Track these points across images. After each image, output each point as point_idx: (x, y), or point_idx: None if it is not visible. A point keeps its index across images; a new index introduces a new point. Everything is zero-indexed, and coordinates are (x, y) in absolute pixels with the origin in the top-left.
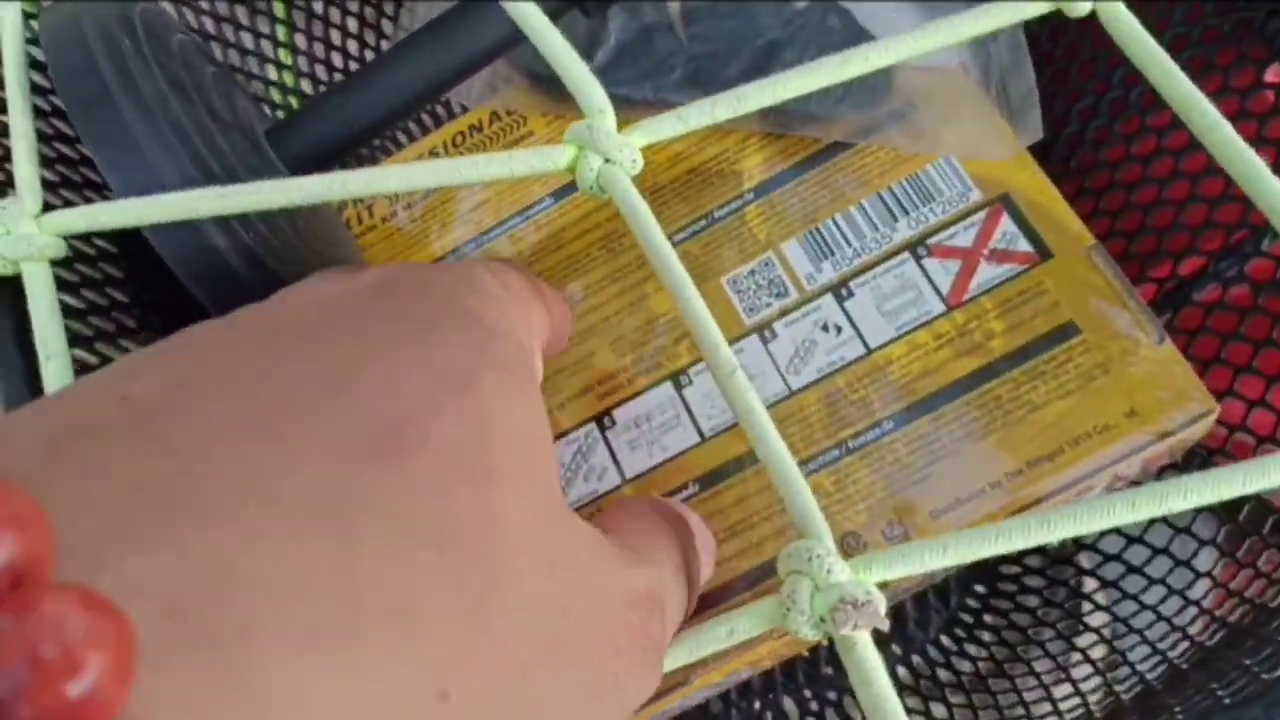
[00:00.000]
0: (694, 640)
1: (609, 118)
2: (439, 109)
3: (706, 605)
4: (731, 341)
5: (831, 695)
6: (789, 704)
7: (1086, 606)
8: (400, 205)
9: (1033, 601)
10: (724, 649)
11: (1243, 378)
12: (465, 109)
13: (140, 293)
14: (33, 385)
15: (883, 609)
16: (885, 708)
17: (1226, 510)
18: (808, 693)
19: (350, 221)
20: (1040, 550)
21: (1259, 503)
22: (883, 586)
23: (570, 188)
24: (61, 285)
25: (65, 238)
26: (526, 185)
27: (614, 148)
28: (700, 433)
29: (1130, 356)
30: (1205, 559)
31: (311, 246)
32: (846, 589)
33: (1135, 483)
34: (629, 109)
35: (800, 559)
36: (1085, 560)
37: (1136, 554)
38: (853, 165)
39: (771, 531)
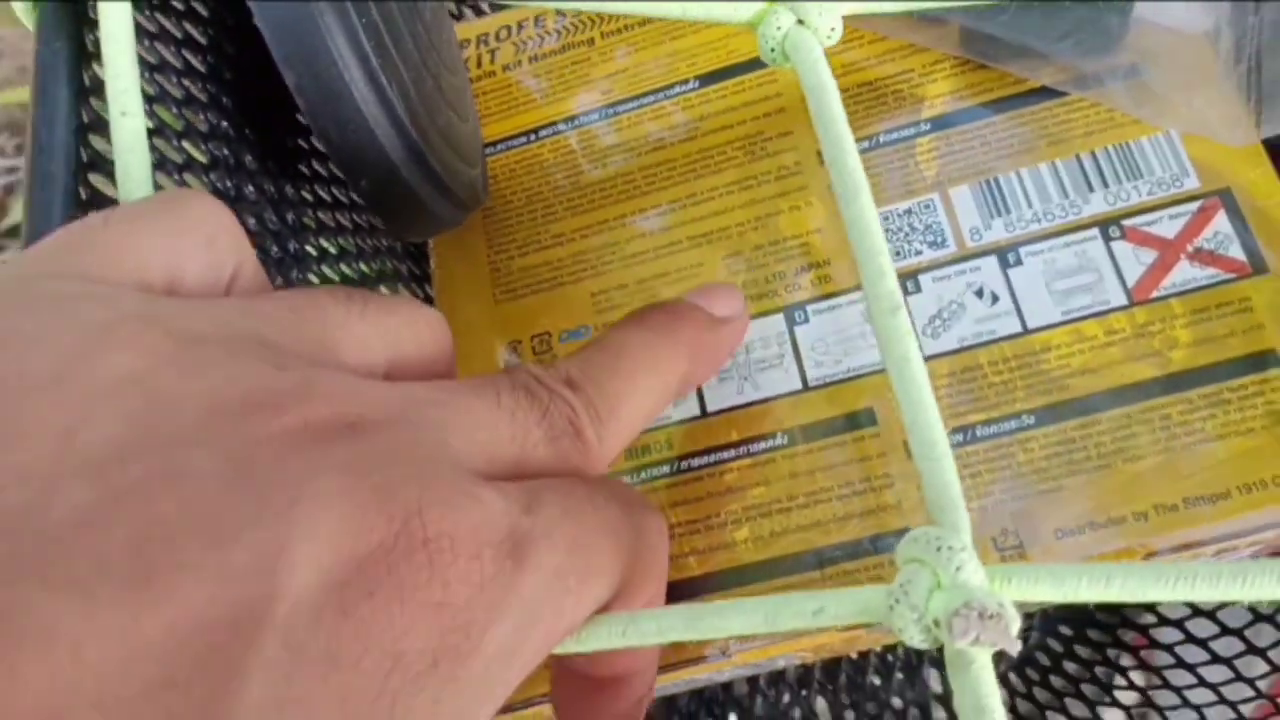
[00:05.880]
0: (771, 609)
1: None
2: None
3: (762, 575)
4: None
5: (871, 708)
6: (821, 705)
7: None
8: (526, 56)
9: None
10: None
11: None
12: None
13: (220, 66)
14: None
15: (1015, 628)
16: None
17: None
18: (845, 699)
19: (470, 63)
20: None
21: None
22: (1017, 607)
23: (720, 74)
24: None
25: None
26: (673, 62)
27: (811, 9)
28: (804, 379)
29: None
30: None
31: (428, 60)
32: (976, 594)
33: (1277, 553)
34: None
35: (926, 547)
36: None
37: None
38: (1055, 117)
39: (861, 509)
